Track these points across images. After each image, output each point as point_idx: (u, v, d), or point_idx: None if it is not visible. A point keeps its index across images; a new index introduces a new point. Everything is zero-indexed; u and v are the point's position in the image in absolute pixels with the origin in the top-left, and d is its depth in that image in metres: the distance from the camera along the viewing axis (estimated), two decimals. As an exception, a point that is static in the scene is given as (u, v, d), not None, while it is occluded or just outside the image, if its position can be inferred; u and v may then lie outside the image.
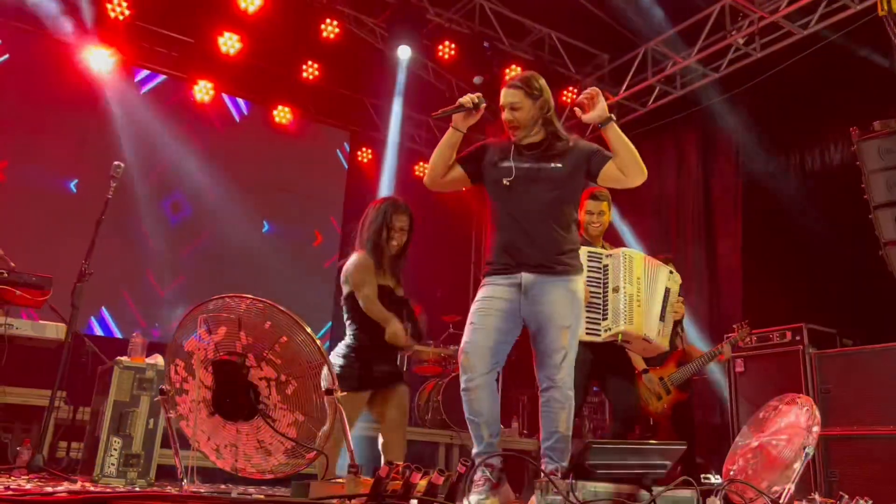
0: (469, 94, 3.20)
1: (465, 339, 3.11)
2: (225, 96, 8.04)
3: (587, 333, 3.91)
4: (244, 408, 2.33)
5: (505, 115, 3.25)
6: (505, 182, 3.17)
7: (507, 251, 3.16)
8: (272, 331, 2.31)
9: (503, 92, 3.30)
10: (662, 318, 4.07)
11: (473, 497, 2.87)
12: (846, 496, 2.87)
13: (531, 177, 3.17)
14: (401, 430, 3.53)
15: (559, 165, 3.21)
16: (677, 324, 5.13)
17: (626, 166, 3.16)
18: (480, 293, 3.20)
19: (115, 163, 4.18)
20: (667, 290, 4.12)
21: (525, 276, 3.13)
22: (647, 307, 3.98)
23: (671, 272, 4.19)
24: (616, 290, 3.95)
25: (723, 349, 5.30)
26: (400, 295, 3.74)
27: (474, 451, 3.11)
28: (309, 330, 2.35)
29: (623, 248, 4.15)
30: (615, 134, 3.15)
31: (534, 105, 3.26)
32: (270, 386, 2.32)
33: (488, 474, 2.98)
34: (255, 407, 2.33)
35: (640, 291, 3.96)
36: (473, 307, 3.17)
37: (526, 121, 3.25)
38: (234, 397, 2.33)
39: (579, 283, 3.22)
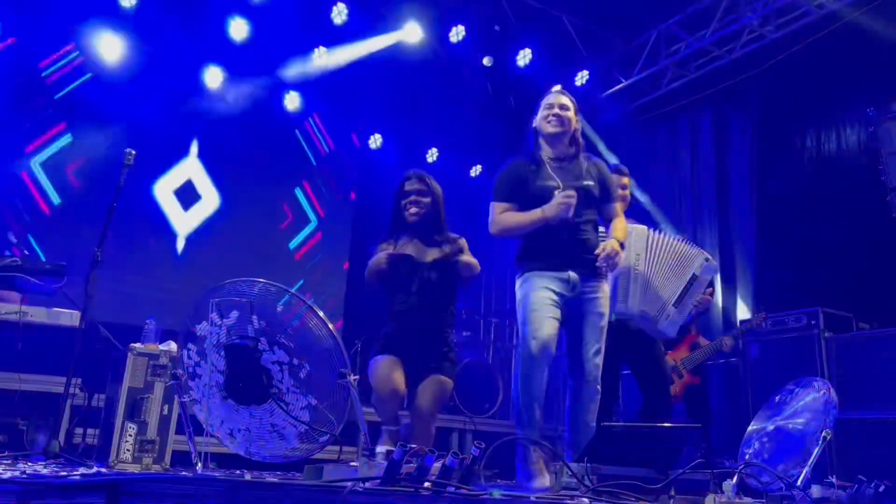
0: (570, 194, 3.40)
1: (536, 325, 3.33)
2: (235, 81, 7.99)
3: None
4: (257, 392, 2.33)
5: (554, 111, 3.53)
6: (556, 192, 3.40)
7: (554, 253, 3.42)
8: (284, 314, 2.30)
9: (553, 95, 3.64)
10: (677, 304, 3.91)
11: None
12: (865, 480, 2.84)
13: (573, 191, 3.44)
14: (427, 418, 3.49)
15: (591, 183, 3.52)
16: (700, 315, 5.01)
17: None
18: (529, 286, 3.43)
19: (127, 150, 4.17)
20: (693, 277, 3.97)
21: (572, 275, 3.41)
22: (654, 283, 3.86)
23: (707, 259, 4.03)
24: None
25: (724, 341, 5.24)
26: (427, 261, 3.60)
27: (528, 431, 3.25)
28: (321, 314, 2.34)
29: (642, 226, 4.07)
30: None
31: (575, 116, 3.58)
32: (283, 370, 2.32)
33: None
34: (267, 391, 2.32)
35: (636, 267, 3.85)
36: (527, 299, 3.40)
37: (569, 125, 3.55)
38: (246, 381, 2.33)
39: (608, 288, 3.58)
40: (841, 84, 6.23)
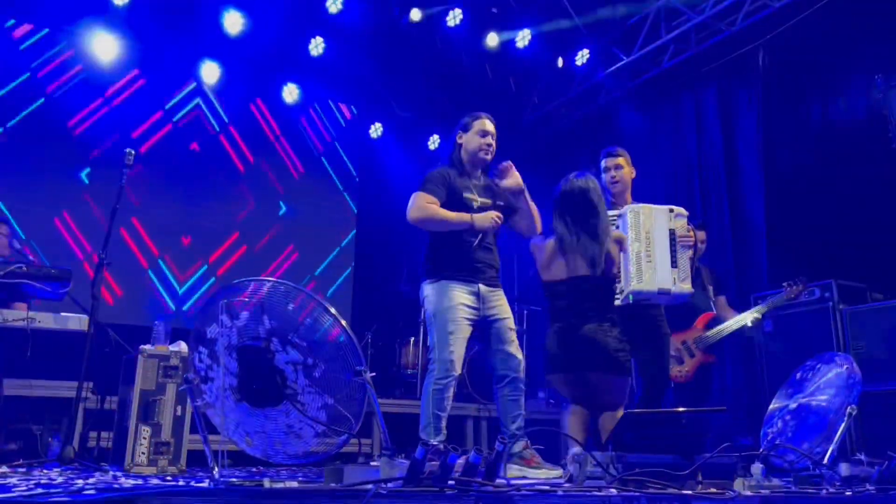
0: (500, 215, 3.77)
1: (452, 348, 3.60)
2: (232, 76, 7.92)
3: None
4: (272, 393, 2.29)
5: (488, 140, 3.90)
6: (474, 206, 3.78)
7: (469, 264, 3.74)
8: (296, 313, 2.26)
9: (487, 122, 3.97)
10: (675, 263, 3.91)
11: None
12: (894, 455, 2.79)
13: (486, 209, 3.79)
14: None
15: (501, 203, 3.88)
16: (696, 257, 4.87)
17: (524, 227, 3.99)
18: (445, 297, 3.68)
19: (127, 150, 4.12)
20: (671, 232, 3.97)
21: (482, 287, 3.74)
22: (658, 259, 3.89)
23: (671, 210, 4.03)
24: (624, 250, 3.90)
25: (749, 317, 5.07)
26: None
27: (434, 440, 3.49)
28: (333, 310, 2.29)
29: (629, 205, 4.04)
30: (526, 201, 3.93)
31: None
32: (297, 370, 2.27)
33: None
34: (282, 392, 2.28)
35: (648, 246, 3.88)
36: (446, 314, 3.64)
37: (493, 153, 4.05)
38: (260, 383, 2.29)
39: None
40: (846, 51, 6.12)
